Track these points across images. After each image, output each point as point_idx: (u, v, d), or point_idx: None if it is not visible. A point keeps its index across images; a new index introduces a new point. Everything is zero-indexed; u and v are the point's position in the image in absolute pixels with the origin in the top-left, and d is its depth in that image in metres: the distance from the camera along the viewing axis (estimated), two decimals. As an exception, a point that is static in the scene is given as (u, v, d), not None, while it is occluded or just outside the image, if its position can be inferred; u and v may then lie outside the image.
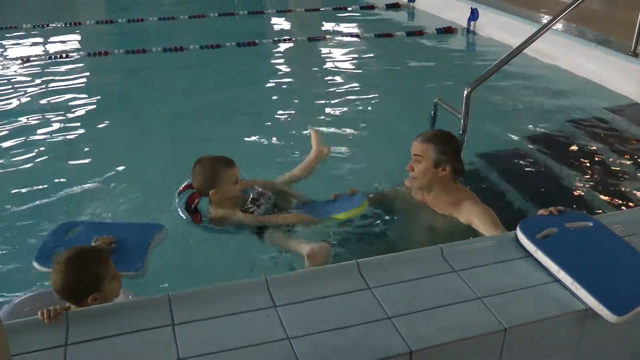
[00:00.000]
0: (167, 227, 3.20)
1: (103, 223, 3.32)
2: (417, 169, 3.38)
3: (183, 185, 3.63)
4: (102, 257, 2.59)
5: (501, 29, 7.77)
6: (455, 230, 3.28)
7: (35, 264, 2.91)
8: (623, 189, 4.12)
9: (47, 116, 5.66)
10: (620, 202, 3.98)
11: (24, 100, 6.13)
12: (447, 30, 8.45)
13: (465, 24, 8.43)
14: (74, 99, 6.11)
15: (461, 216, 3.32)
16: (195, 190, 3.53)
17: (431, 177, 3.37)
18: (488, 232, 3.14)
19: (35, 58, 7.52)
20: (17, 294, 2.92)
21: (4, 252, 3.57)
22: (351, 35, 8.57)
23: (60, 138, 5.19)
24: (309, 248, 3.13)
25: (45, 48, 8.15)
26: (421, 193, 3.48)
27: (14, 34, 8.70)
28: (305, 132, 4.94)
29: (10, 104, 6.01)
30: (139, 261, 2.90)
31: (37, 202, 4.09)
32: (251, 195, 3.57)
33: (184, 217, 3.50)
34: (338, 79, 6.75)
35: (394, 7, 10.03)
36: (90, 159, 4.81)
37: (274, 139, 5.11)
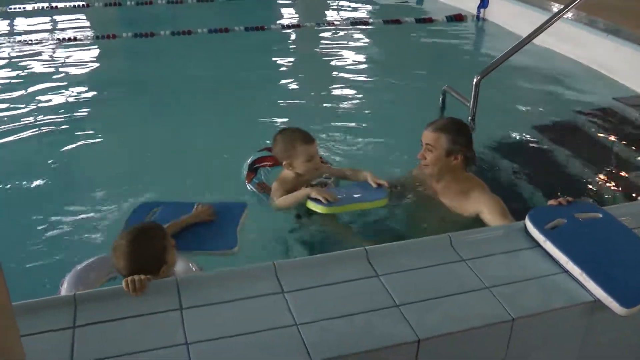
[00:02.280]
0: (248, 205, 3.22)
1: (181, 203, 3.25)
2: (428, 158, 3.37)
3: (264, 147, 3.88)
4: (162, 230, 2.66)
5: (511, 17, 7.72)
6: (464, 220, 3.28)
7: None
8: (633, 180, 4.10)
9: (54, 99, 5.66)
10: (630, 193, 3.96)
11: (31, 82, 6.12)
12: (457, 18, 8.40)
13: (475, 11, 8.38)
14: (82, 82, 6.12)
15: (470, 205, 3.31)
16: (270, 154, 3.71)
17: (442, 165, 3.37)
18: (496, 222, 3.13)
19: (42, 40, 7.51)
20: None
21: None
22: (360, 21, 8.52)
23: (67, 121, 5.18)
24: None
25: (53, 30, 8.13)
26: (431, 181, 3.48)
27: (21, 15, 8.68)
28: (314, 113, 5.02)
29: (17, 86, 6.00)
30: (232, 239, 2.92)
31: (40, 185, 4.11)
32: (313, 181, 3.60)
33: (243, 172, 3.77)
34: (346, 65, 6.72)
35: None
36: (99, 143, 4.81)
37: (282, 123, 5.10)
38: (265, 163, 3.89)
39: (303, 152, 3.45)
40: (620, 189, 4.02)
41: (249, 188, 3.75)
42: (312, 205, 3.32)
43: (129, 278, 2.30)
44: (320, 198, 3.28)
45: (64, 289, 2.63)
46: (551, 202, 2.83)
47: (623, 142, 4.59)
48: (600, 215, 2.75)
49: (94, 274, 2.72)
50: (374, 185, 3.48)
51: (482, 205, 3.27)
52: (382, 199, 3.40)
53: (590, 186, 4.09)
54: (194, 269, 2.76)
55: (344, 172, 3.75)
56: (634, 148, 4.49)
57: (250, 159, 3.97)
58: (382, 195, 3.42)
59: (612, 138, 4.68)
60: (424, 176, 3.53)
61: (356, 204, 3.38)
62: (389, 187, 3.49)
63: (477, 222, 3.24)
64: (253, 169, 3.86)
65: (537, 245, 2.61)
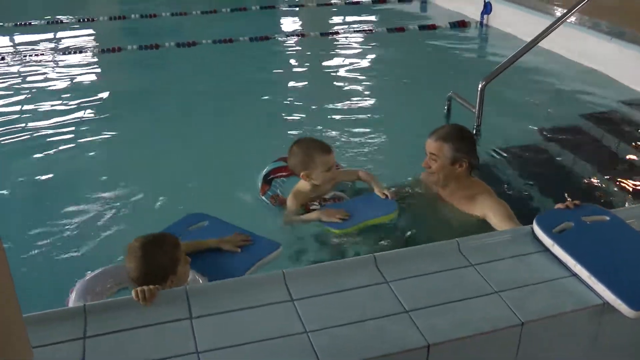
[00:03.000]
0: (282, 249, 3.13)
1: (229, 224, 3.25)
2: (433, 167, 3.39)
3: (280, 157, 3.86)
4: (176, 241, 2.69)
5: (514, 22, 7.73)
6: (471, 225, 3.28)
7: None
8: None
9: (59, 112, 5.69)
10: (637, 195, 3.95)
11: (37, 95, 6.16)
12: (460, 24, 8.42)
13: (478, 18, 8.40)
14: (87, 94, 6.13)
15: (476, 210, 3.32)
16: (286, 164, 3.71)
17: (447, 173, 3.39)
18: (502, 226, 3.14)
19: (48, 54, 7.56)
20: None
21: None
22: (363, 30, 8.55)
23: (72, 134, 5.20)
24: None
25: (59, 44, 8.19)
26: (437, 187, 3.48)
27: (27, 30, 8.75)
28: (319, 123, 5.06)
29: (23, 99, 6.04)
30: (240, 274, 2.86)
31: (46, 196, 4.15)
32: (327, 195, 3.62)
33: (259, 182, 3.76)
34: (351, 74, 6.74)
35: (406, 0, 10.00)
36: (106, 154, 4.84)
37: (287, 133, 5.11)
38: (280, 174, 3.87)
39: (322, 162, 3.45)
40: (627, 191, 4.01)
41: (263, 200, 3.75)
42: (326, 228, 3.35)
43: (139, 288, 2.31)
44: (335, 220, 3.32)
45: (72, 299, 2.65)
46: (558, 205, 2.84)
47: (629, 145, 4.58)
48: (608, 218, 2.75)
49: (103, 285, 2.74)
50: (382, 195, 3.50)
51: (488, 209, 3.27)
52: (392, 212, 3.42)
53: (597, 189, 4.09)
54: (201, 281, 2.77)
55: (357, 174, 3.77)
56: (639, 151, 4.48)
57: (265, 170, 3.95)
58: (392, 208, 3.44)
59: (618, 141, 4.67)
60: (429, 181, 3.54)
61: (367, 221, 3.39)
62: (396, 198, 3.51)
63: (484, 225, 3.24)
64: (267, 181, 3.84)
65: (545, 249, 2.61)
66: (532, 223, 2.71)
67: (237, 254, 2.99)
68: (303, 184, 3.55)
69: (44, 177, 4.44)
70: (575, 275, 2.45)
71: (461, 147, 3.35)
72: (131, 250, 2.60)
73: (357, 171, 3.80)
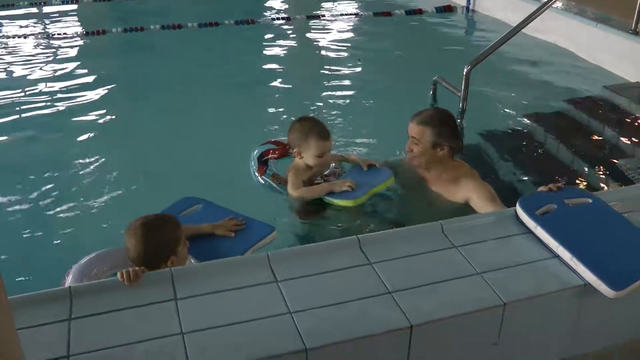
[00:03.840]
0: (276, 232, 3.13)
1: (222, 207, 3.22)
2: (415, 150, 3.42)
3: (267, 140, 3.85)
4: (177, 221, 2.69)
5: (501, 7, 7.74)
6: (455, 207, 3.30)
7: None
8: (622, 167, 4.13)
9: (43, 95, 5.65)
10: (619, 179, 3.99)
11: (20, 79, 6.11)
12: (446, 9, 8.41)
13: (464, 2, 8.40)
14: (72, 78, 6.09)
15: (460, 192, 3.34)
16: (276, 147, 3.77)
17: (429, 157, 3.41)
18: (486, 208, 3.16)
19: (31, 36, 7.49)
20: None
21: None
22: (350, 13, 8.52)
23: (56, 117, 5.18)
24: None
25: (42, 26, 8.10)
26: (420, 170, 3.50)
27: (10, 12, 8.64)
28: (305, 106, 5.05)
29: (5, 82, 5.99)
30: (239, 252, 2.87)
31: (37, 182, 4.12)
32: (325, 171, 3.65)
33: (252, 165, 3.71)
34: (337, 57, 6.73)
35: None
36: (92, 138, 4.80)
37: (272, 116, 5.12)
38: (272, 155, 3.85)
39: (315, 146, 3.45)
40: (610, 175, 4.05)
41: (261, 181, 3.72)
42: (338, 202, 3.36)
43: (125, 272, 2.31)
44: (346, 188, 3.36)
45: (69, 282, 2.64)
46: (541, 188, 2.86)
47: (612, 129, 4.61)
48: (590, 201, 2.78)
49: (99, 268, 2.74)
50: (365, 169, 3.56)
51: (471, 191, 3.30)
52: (390, 177, 3.51)
53: (580, 173, 4.12)
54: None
55: (343, 157, 3.82)
56: (622, 136, 4.51)
57: (256, 152, 3.93)
58: (388, 173, 3.52)
59: (602, 126, 4.70)
60: (413, 165, 3.56)
61: (373, 188, 3.42)
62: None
63: (467, 208, 3.27)
64: (263, 162, 3.81)
65: (528, 231, 2.63)
66: (515, 205, 2.74)
67: (231, 238, 2.98)
68: (298, 162, 3.56)
69: (30, 161, 4.41)
70: (557, 256, 2.48)
71: (442, 132, 3.37)
72: (132, 230, 2.58)
73: (343, 156, 3.85)
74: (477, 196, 3.26)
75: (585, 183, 3.93)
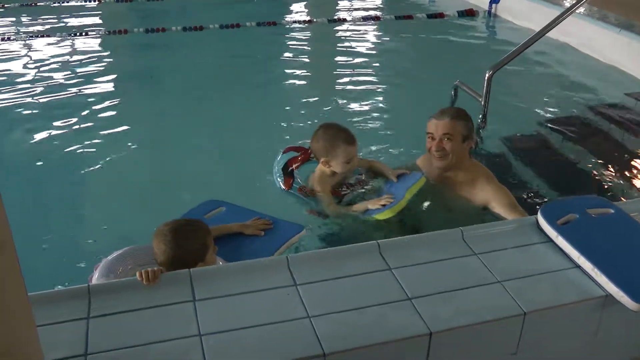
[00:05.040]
0: (307, 229, 3.15)
1: (247, 209, 3.24)
2: (448, 147, 3.39)
3: (289, 147, 3.73)
4: (207, 227, 2.69)
5: (523, 12, 7.69)
6: (473, 210, 3.32)
7: None
8: (645, 176, 4.09)
9: (66, 94, 5.69)
10: (642, 189, 3.95)
11: (44, 78, 6.15)
12: (468, 13, 8.38)
13: (486, 7, 8.36)
14: (93, 77, 6.13)
15: (478, 195, 3.35)
16: (298, 154, 3.63)
17: (460, 153, 3.41)
18: (506, 214, 3.15)
19: (54, 35, 7.54)
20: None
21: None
22: (371, 17, 8.51)
23: (78, 117, 5.19)
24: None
25: (65, 26, 8.16)
26: (438, 172, 3.50)
27: (33, 11, 8.72)
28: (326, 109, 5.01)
29: (28, 82, 6.04)
30: (269, 251, 2.88)
31: (54, 178, 4.15)
32: (349, 180, 3.59)
33: (277, 177, 3.57)
34: (358, 61, 6.72)
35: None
36: (110, 138, 4.82)
37: (293, 118, 5.12)
38: (296, 165, 3.73)
39: (344, 153, 3.40)
40: (632, 184, 4.01)
41: (292, 194, 3.63)
42: (377, 217, 3.30)
43: (144, 272, 2.32)
44: (384, 203, 3.30)
45: (95, 277, 2.65)
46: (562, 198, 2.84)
47: (636, 137, 4.57)
48: (612, 211, 2.74)
49: (125, 265, 2.73)
50: (395, 180, 3.51)
51: (489, 196, 3.30)
52: (422, 177, 3.45)
53: (602, 182, 4.08)
54: None
55: (369, 162, 3.76)
56: (646, 144, 4.47)
57: (280, 163, 3.76)
58: (419, 175, 3.47)
59: (624, 133, 4.66)
60: (427, 167, 3.56)
61: (405, 195, 3.36)
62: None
63: (485, 210, 3.25)
64: (289, 173, 3.67)
65: (549, 240, 2.61)
66: (536, 213, 2.72)
67: (260, 238, 2.99)
68: (322, 170, 3.50)
69: (50, 159, 4.45)
70: (578, 267, 2.45)
71: (470, 125, 3.42)
72: (161, 235, 2.58)
73: (370, 161, 3.79)
74: (497, 202, 3.25)
75: (607, 192, 3.89)
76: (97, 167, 4.26)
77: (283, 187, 3.61)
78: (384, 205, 3.29)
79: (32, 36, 7.52)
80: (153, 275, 2.31)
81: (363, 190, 3.56)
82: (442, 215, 3.39)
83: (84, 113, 5.25)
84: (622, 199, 3.77)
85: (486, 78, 4.54)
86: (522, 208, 3.22)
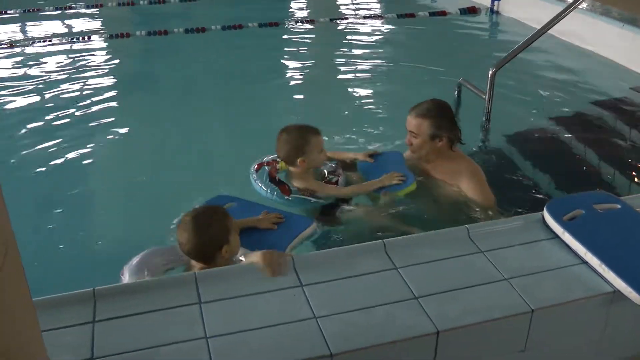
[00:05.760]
0: (317, 225, 3.13)
1: (257, 204, 3.25)
2: (414, 144, 3.45)
3: (257, 164, 3.63)
4: (224, 210, 2.76)
5: (525, 9, 7.67)
6: (458, 198, 3.35)
7: None
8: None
9: (67, 98, 5.69)
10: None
11: (45, 82, 6.15)
12: (470, 10, 8.36)
13: (488, 4, 8.33)
14: (96, 81, 6.13)
15: (456, 188, 3.40)
16: (270, 167, 3.55)
17: (429, 149, 3.45)
18: (472, 193, 3.27)
19: (57, 40, 7.55)
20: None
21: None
22: (373, 15, 8.50)
23: (81, 121, 5.19)
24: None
25: (67, 30, 8.18)
26: (422, 163, 3.55)
27: (35, 17, 8.74)
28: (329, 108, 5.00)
29: (32, 86, 6.04)
30: (283, 244, 2.89)
31: (53, 180, 4.16)
32: (326, 168, 3.60)
33: (269, 192, 3.44)
34: (360, 59, 6.71)
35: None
36: (115, 140, 4.83)
37: (294, 117, 5.10)
38: (276, 174, 3.57)
39: (317, 142, 3.39)
40: (638, 179, 3.99)
41: (295, 198, 3.47)
42: (400, 192, 3.34)
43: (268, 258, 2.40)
44: (396, 181, 3.34)
45: (126, 276, 2.67)
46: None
47: (640, 132, 4.56)
48: (619, 206, 2.73)
49: (155, 264, 2.76)
50: (371, 161, 3.61)
51: (468, 192, 3.35)
52: (414, 182, 3.44)
53: (608, 177, 4.06)
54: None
55: (339, 155, 3.78)
56: (651, 138, 4.45)
57: (263, 180, 3.52)
58: (413, 179, 3.46)
59: (630, 129, 4.64)
60: (413, 158, 3.59)
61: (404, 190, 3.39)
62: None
63: (469, 202, 3.31)
64: (280, 182, 3.51)
65: (556, 236, 2.60)
66: (542, 210, 2.70)
67: (273, 231, 3.00)
68: (298, 171, 3.44)
69: (55, 164, 4.44)
70: (585, 263, 2.44)
71: (439, 124, 3.40)
72: (183, 224, 2.63)
73: (338, 154, 3.79)
74: (473, 200, 3.32)
75: (613, 187, 3.87)
76: (100, 170, 4.27)
77: (286, 197, 3.46)
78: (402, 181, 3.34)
79: (35, 41, 7.52)
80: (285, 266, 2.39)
81: (342, 176, 3.58)
82: (430, 205, 3.42)
83: (87, 117, 5.24)
84: (629, 194, 3.75)
85: (489, 75, 4.53)
86: (528, 205, 3.20)
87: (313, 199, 3.42)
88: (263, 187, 3.45)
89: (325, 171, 3.57)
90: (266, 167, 3.56)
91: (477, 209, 3.30)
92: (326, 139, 3.64)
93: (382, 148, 3.90)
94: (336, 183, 3.49)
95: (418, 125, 3.40)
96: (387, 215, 3.35)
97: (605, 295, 2.31)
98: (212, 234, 2.61)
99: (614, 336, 2.43)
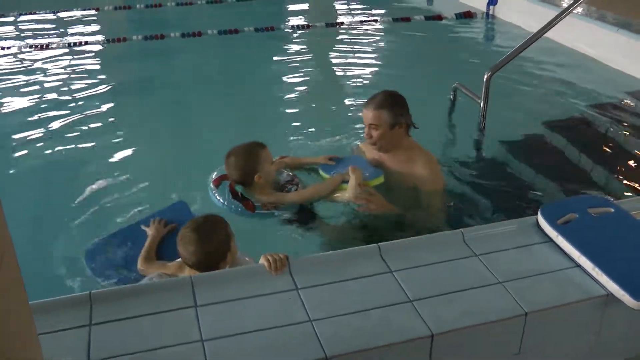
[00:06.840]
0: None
1: (126, 229, 3.31)
2: (375, 136, 3.52)
3: (216, 177, 3.63)
4: (223, 219, 2.78)
5: (520, 13, 7.70)
6: (409, 187, 3.47)
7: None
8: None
9: (64, 103, 5.68)
10: (642, 187, 3.95)
11: (42, 86, 6.16)
12: (466, 15, 8.38)
13: (484, 8, 8.36)
14: (92, 85, 6.11)
15: (410, 176, 3.50)
16: (230, 181, 3.54)
17: (389, 138, 3.53)
18: (425, 200, 3.38)
19: (53, 44, 7.55)
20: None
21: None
22: (369, 20, 8.52)
23: (77, 125, 5.18)
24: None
25: (63, 34, 8.16)
26: (377, 153, 3.63)
27: (32, 20, 8.74)
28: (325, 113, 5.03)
29: (28, 91, 6.04)
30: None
31: (52, 185, 4.17)
32: (282, 179, 3.64)
33: (233, 208, 3.44)
34: (355, 64, 6.72)
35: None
36: (111, 145, 4.82)
37: (290, 123, 5.12)
38: (234, 191, 3.56)
39: (266, 156, 3.47)
40: (633, 183, 4.01)
41: (258, 214, 3.50)
42: (372, 182, 3.45)
43: (270, 257, 2.41)
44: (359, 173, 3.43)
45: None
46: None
47: (635, 136, 4.57)
48: (612, 210, 2.75)
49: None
50: (333, 163, 3.70)
51: (421, 179, 3.46)
52: (381, 175, 3.57)
53: (602, 181, 4.08)
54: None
55: (298, 160, 3.87)
56: (646, 143, 4.47)
57: (224, 196, 3.54)
58: (379, 172, 3.58)
59: (624, 132, 4.66)
60: (368, 149, 3.69)
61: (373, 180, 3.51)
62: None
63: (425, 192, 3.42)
64: (241, 198, 3.50)
65: (550, 240, 2.62)
66: (536, 214, 2.72)
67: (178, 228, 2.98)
68: (258, 185, 3.47)
69: (51, 166, 4.47)
70: (579, 266, 2.46)
71: (397, 111, 3.50)
72: (184, 238, 2.66)
73: (282, 162, 3.80)
74: (423, 188, 3.45)
75: (607, 191, 3.89)
76: (97, 174, 4.25)
77: (249, 211, 3.45)
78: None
79: (31, 45, 7.52)
80: (281, 264, 2.40)
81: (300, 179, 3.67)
82: (387, 195, 3.47)
83: (82, 121, 5.24)
84: (622, 198, 3.77)
85: (485, 80, 4.55)
86: (522, 210, 3.22)
87: (277, 212, 3.46)
88: (226, 203, 3.47)
89: (282, 182, 3.62)
90: (225, 182, 3.59)
91: (428, 194, 3.44)
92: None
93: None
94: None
95: (377, 116, 3.48)
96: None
97: (599, 298, 2.33)
98: (216, 243, 2.64)
99: (608, 339, 2.44)
